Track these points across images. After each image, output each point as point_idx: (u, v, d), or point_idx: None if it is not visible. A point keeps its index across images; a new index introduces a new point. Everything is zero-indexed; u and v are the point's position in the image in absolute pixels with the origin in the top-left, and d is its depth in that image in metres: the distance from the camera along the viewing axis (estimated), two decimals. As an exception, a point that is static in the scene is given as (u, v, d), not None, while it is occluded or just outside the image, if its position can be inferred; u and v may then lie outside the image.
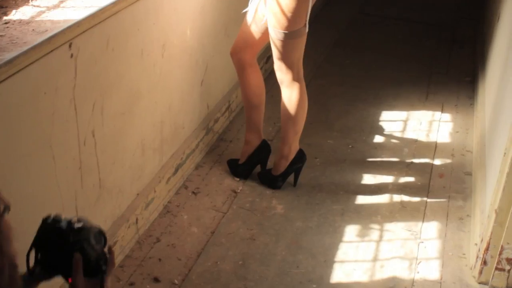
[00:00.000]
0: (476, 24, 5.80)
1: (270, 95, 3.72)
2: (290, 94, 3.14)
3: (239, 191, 3.34)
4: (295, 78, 3.11)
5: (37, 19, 2.20)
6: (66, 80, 2.22)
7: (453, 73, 4.88)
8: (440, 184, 3.49)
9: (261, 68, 4.02)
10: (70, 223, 1.45)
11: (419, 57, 5.14)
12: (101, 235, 1.49)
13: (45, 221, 1.46)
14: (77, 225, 1.45)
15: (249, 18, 3.11)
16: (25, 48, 1.98)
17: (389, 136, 3.93)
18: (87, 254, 1.44)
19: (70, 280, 1.43)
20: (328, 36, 5.36)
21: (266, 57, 4.30)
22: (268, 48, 3.40)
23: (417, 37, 5.54)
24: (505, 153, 2.63)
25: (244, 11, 3.17)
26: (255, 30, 3.11)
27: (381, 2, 6.40)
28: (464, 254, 3.00)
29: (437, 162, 3.69)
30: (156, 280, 2.76)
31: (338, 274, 2.86)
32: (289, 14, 2.90)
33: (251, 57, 3.22)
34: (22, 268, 1.38)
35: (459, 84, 4.68)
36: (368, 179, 3.50)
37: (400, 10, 6.17)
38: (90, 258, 1.45)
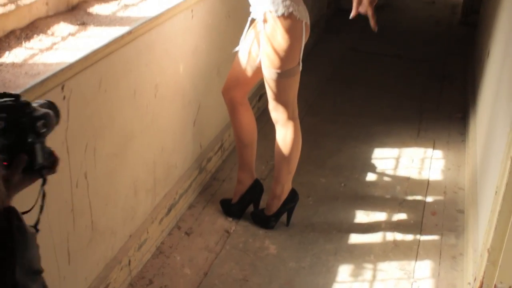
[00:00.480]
0: (466, 60, 5.86)
1: (262, 133, 3.73)
2: (285, 133, 3.15)
3: (232, 231, 3.33)
4: (290, 117, 3.13)
5: (30, 61, 2.21)
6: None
7: (444, 109, 4.91)
8: (432, 222, 3.49)
9: (253, 107, 4.04)
10: (35, 123, 1.38)
11: (410, 93, 5.18)
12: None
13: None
14: (41, 130, 1.39)
15: (242, 58, 3.13)
16: (17, 91, 1.98)
17: (381, 174, 3.94)
18: (35, 159, 1.39)
19: (5, 163, 1.35)
20: (321, 73, 5.40)
21: (258, 95, 4.32)
22: (260, 87, 3.42)
23: (408, 74, 5.59)
24: (496, 192, 2.63)
25: (235, 50, 3.19)
26: (247, 70, 3.13)
27: (372, 39, 6.45)
28: (457, 293, 3.00)
29: (430, 199, 3.69)
30: (149, 322, 2.74)
31: (331, 315, 2.84)
32: (282, 54, 2.92)
33: (243, 95, 3.24)
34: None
35: (450, 121, 4.71)
36: (361, 217, 3.50)
37: (390, 47, 6.23)
38: (35, 164, 1.40)
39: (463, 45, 6.36)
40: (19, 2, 2.34)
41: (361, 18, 2.91)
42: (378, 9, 7.55)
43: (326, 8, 6.59)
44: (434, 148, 4.28)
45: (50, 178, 2.19)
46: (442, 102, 5.03)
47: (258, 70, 3.08)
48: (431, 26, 7.18)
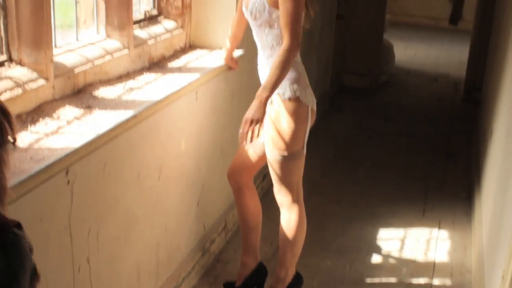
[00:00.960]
0: (469, 138, 5.87)
1: (266, 214, 3.70)
2: (289, 216, 3.13)
3: (235, 314, 3.27)
4: (295, 200, 3.11)
5: (35, 146, 2.21)
6: (62, 207, 2.21)
7: (449, 188, 4.90)
8: (439, 306, 3.43)
9: (257, 187, 4.02)
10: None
11: (414, 172, 5.17)
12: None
13: None
14: None
15: (247, 142, 3.14)
16: (22, 177, 1.97)
17: (387, 256, 3.89)
18: None
19: None
20: (325, 151, 5.41)
21: (262, 175, 4.31)
22: (265, 167, 3.41)
23: (411, 152, 5.60)
24: (503, 277, 2.59)
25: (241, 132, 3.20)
26: (252, 153, 3.14)
27: (375, 117, 6.50)
28: None
29: (436, 282, 3.64)
30: None
31: None
32: (286, 137, 2.93)
33: (248, 179, 3.24)
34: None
35: (456, 200, 4.69)
36: (367, 301, 3.45)
37: (394, 125, 6.27)
38: None
39: (467, 123, 6.39)
40: (26, 86, 2.37)
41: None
42: (381, 86, 7.67)
43: (329, 86, 6.65)
44: (439, 228, 4.25)
45: (52, 263, 2.17)
46: (446, 181, 5.03)
47: (264, 154, 3.09)
48: (434, 103, 7.24)
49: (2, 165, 1.44)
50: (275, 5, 2.84)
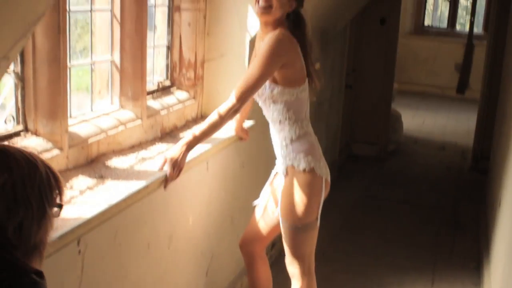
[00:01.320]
0: (477, 207, 5.86)
1: (275, 282, 3.68)
2: (300, 288, 3.12)
3: None
4: (306, 272, 3.10)
5: (48, 216, 2.23)
6: (72, 277, 2.22)
7: (457, 258, 4.87)
8: None
9: (266, 254, 4.02)
10: None
11: (422, 241, 5.15)
12: None
13: None
14: None
15: (259, 214, 3.16)
16: (34, 247, 2.00)
17: (396, 329, 3.86)
18: None
19: None
20: (333, 220, 5.40)
21: (271, 244, 4.30)
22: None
23: (419, 221, 5.60)
24: None
25: (254, 204, 3.22)
26: (263, 225, 3.15)
27: (383, 186, 6.52)
28: None
29: None
30: None
31: None
32: (300, 208, 2.94)
33: (261, 250, 3.25)
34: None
35: (464, 271, 4.66)
36: None
37: (402, 193, 6.28)
38: None
39: (475, 192, 6.39)
40: (40, 157, 2.40)
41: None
42: (390, 154, 7.67)
43: (338, 155, 6.69)
44: (448, 299, 4.22)
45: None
46: (455, 251, 5.00)
47: (276, 226, 3.10)
48: (442, 172, 7.25)
49: (48, 223, 1.54)
50: (274, 80, 2.88)
